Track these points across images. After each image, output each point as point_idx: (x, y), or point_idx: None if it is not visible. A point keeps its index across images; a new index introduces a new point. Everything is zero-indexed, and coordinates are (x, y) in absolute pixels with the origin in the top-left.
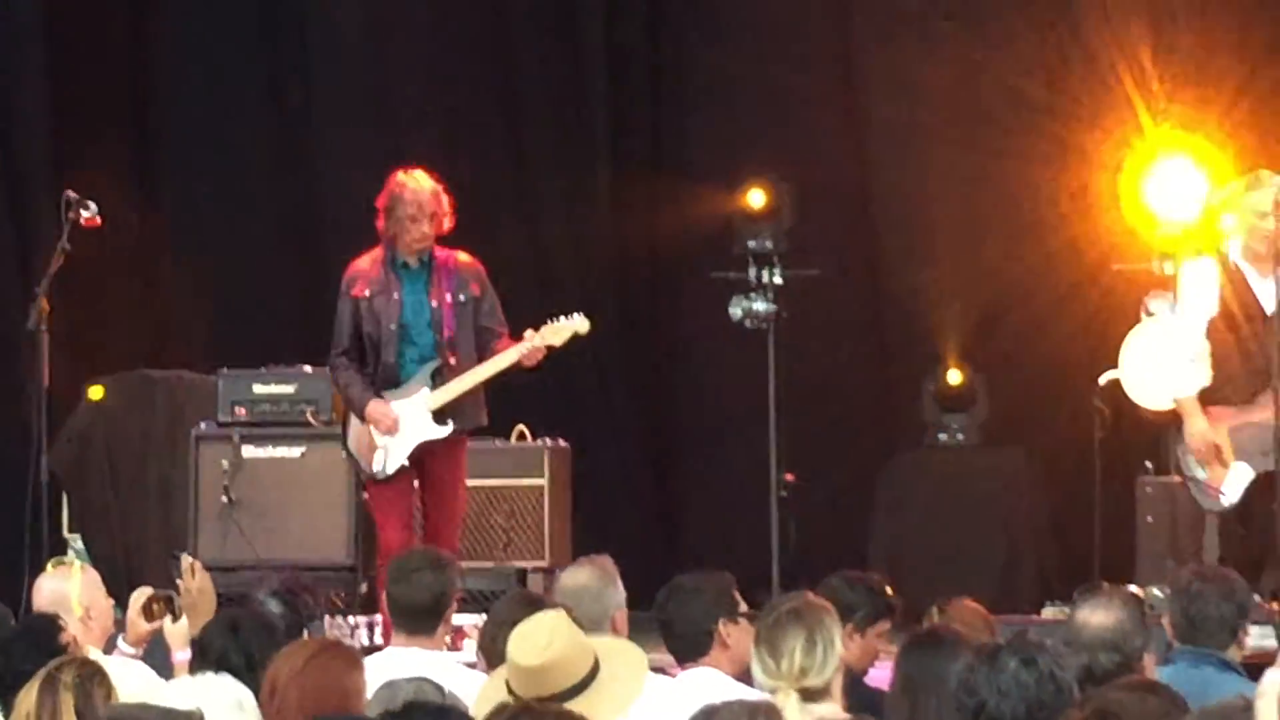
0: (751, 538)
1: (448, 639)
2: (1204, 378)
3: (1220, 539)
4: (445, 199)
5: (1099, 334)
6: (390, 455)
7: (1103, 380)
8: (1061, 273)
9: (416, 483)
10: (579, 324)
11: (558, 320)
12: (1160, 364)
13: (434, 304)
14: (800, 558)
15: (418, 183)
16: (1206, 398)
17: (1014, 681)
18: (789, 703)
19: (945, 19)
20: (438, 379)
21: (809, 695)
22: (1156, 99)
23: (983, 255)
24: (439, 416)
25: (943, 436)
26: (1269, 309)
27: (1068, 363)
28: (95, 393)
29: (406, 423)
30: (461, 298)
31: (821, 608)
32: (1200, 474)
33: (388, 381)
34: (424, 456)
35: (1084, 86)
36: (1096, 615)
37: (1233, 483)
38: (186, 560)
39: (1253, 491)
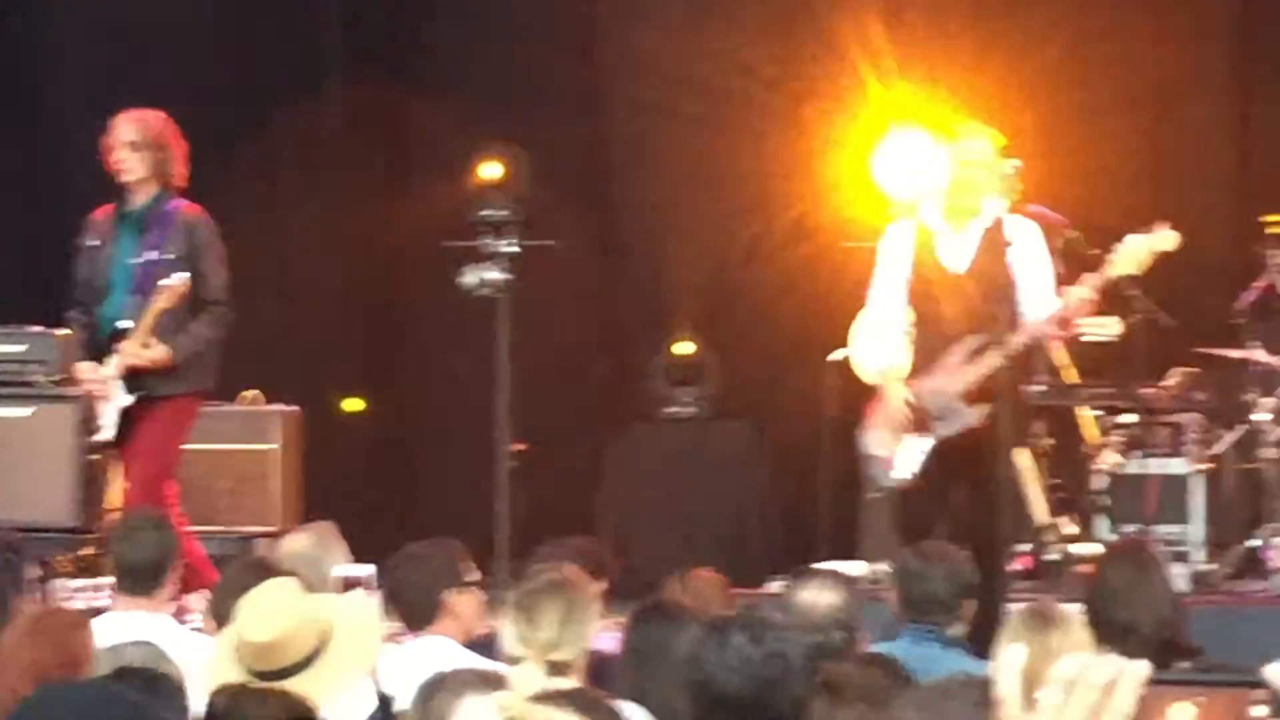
0: (481, 507)
1: (173, 605)
2: (900, 350)
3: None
4: (156, 131)
5: (830, 310)
6: (105, 420)
7: (834, 357)
8: (794, 249)
9: None
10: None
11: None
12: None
13: (133, 260)
14: (529, 528)
15: (127, 112)
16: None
17: (741, 657)
18: (535, 674)
19: None
20: (122, 343)
21: (555, 669)
22: (888, 73)
23: (716, 230)
24: (127, 383)
25: (672, 409)
26: (958, 269)
27: (799, 339)
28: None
29: (110, 389)
30: (171, 254)
31: (583, 584)
32: (879, 450)
33: (94, 341)
34: (131, 420)
35: (816, 62)
36: (825, 595)
37: (905, 457)
38: None
39: (928, 462)
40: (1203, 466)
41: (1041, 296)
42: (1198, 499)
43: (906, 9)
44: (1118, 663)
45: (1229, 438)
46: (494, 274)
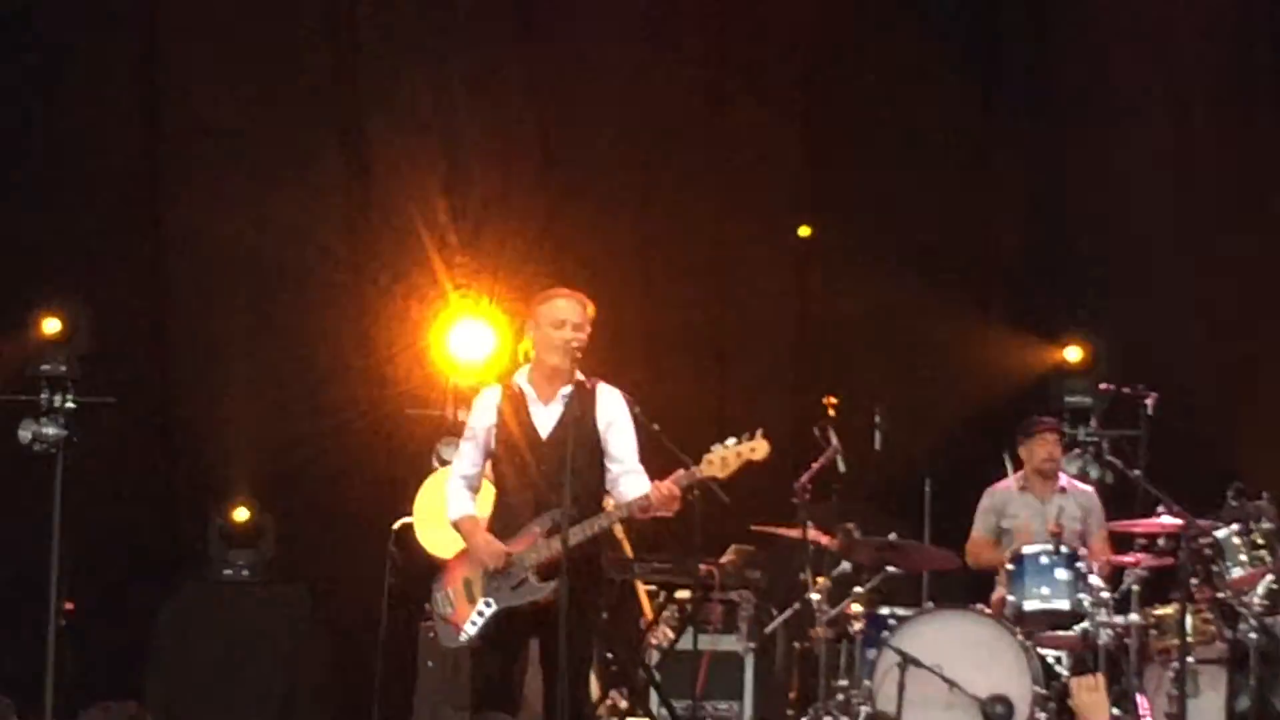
0: (29, 665)
1: None
2: (470, 504)
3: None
4: None
5: (393, 477)
6: None
7: (396, 525)
8: (358, 418)
9: None
10: None
11: None
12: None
13: None
14: (79, 687)
15: None
16: (489, 527)
17: None
18: None
19: None
20: None
21: None
22: (452, 251)
23: (279, 398)
24: None
25: (228, 572)
26: (543, 434)
27: (360, 504)
28: None
29: None
30: None
31: None
32: (448, 610)
33: None
34: None
35: (383, 241)
36: None
37: (475, 619)
38: None
39: (494, 626)
40: (754, 644)
41: (630, 471)
42: (749, 676)
43: (471, 187)
44: None
45: (781, 616)
46: (51, 429)
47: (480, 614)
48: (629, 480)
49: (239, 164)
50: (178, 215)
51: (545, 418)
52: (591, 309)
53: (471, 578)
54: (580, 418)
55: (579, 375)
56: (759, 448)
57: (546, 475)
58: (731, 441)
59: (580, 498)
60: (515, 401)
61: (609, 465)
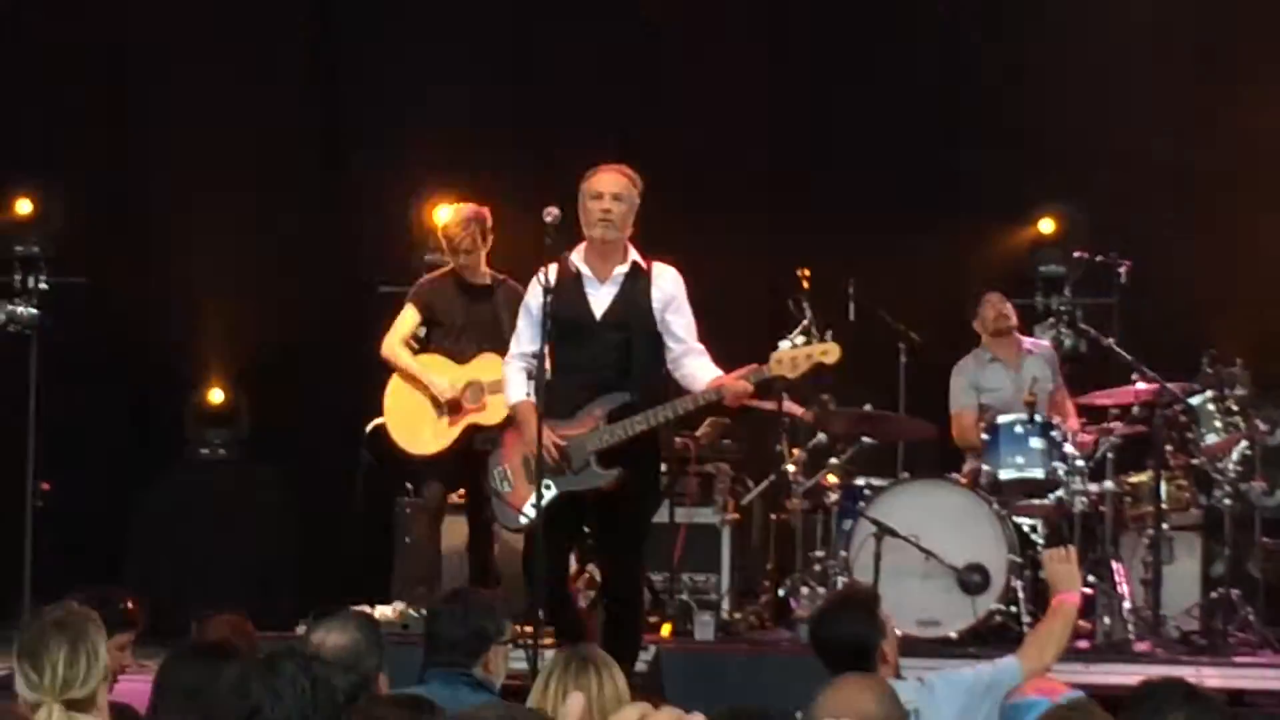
0: (5, 547)
1: None
2: (524, 388)
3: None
4: None
5: (366, 355)
6: None
7: (369, 428)
8: (329, 295)
9: None
10: None
11: None
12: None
13: None
14: (54, 568)
15: None
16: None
17: (291, 686)
18: (54, 715)
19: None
20: None
21: (74, 706)
22: (423, 127)
23: (251, 276)
24: None
25: (204, 451)
26: (597, 315)
27: (333, 382)
28: None
29: None
30: None
31: (85, 617)
32: (505, 489)
33: None
34: None
35: (354, 116)
36: (332, 636)
37: (531, 502)
38: None
39: (554, 509)
40: (731, 516)
41: (691, 350)
42: (725, 548)
43: (442, 61)
44: (675, 712)
45: (758, 488)
46: (24, 310)
47: (536, 499)
48: (691, 360)
49: (209, 45)
50: (148, 95)
51: (600, 298)
52: (637, 181)
53: (530, 456)
54: (636, 300)
55: (634, 256)
56: (830, 350)
57: (603, 357)
58: (800, 340)
59: (641, 383)
60: (570, 279)
61: (669, 345)
